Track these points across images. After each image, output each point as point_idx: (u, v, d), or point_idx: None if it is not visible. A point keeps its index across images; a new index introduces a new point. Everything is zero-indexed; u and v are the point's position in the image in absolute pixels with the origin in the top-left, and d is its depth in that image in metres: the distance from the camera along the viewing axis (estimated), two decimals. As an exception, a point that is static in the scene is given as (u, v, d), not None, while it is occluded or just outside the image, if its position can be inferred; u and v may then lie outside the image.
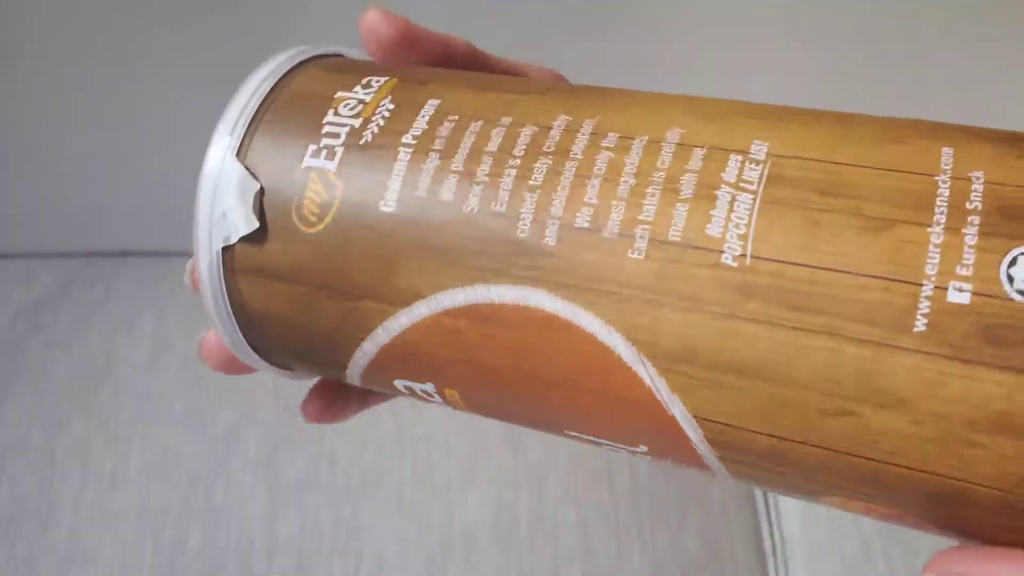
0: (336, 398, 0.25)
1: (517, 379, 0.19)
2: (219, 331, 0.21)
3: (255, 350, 0.22)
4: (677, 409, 0.17)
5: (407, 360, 0.19)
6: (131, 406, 0.49)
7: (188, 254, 0.52)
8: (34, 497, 0.46)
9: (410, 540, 0.46)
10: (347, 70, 0.21)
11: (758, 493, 0.51)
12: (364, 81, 0.20)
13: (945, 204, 0.15)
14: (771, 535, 0.49)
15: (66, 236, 0.59)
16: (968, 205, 0.15)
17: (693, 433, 0.18)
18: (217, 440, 0.48)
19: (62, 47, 0.56)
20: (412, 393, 0.21)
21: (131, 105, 0.58)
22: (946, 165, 0.16)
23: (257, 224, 0.19)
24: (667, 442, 0.18)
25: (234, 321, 0.21)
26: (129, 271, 0.56)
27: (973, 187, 0.16)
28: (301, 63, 0.21)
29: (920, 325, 0.15)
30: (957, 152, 0.16)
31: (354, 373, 0.21)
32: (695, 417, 0.17)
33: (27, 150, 0.61)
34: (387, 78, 0.20)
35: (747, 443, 0.17)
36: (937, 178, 0.16)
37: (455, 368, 0.19)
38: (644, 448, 0.19)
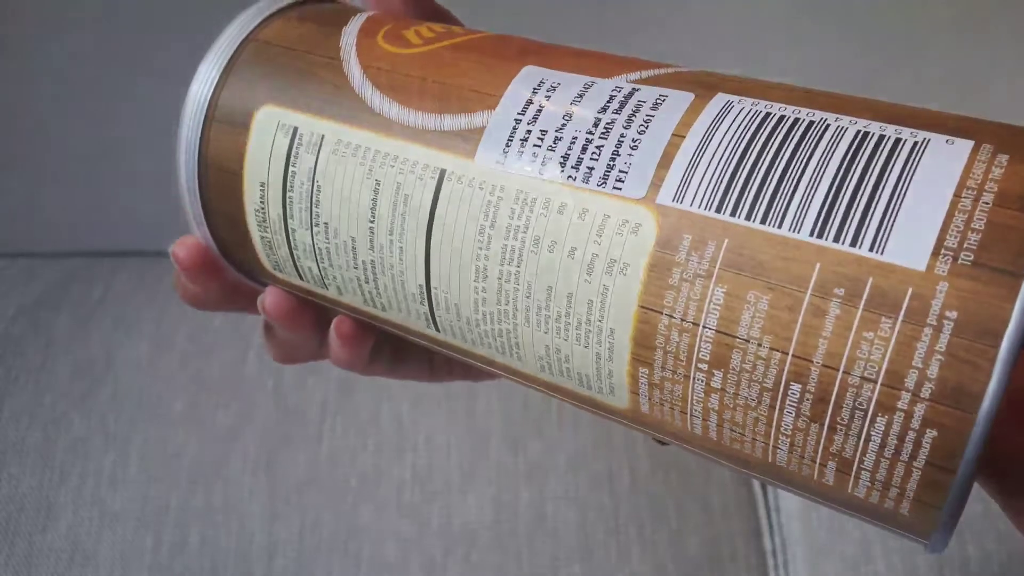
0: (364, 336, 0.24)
1: None
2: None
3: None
4: None
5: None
6: (131, 406, 0.49)
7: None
8: (33, 496, 0.46)
9: (410, 540, 0.46)
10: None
11: (758, 493, 0.51)
12: None
13: None
14: (771, 535, 0.49)
15: (66, 236, 0.59)
16: None
17: None
18: (216, 440, 0.48)
19: (62, 47, 0.56)
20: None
21: (131, 105, 0.58)
22: None
23: None
24: None
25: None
26: (129, 271, 0.56)
27: None
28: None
29: None
30: None
31: None
32: None
33: (27, 150, 0.61)
34: None
35: None
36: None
37: None
38: None
